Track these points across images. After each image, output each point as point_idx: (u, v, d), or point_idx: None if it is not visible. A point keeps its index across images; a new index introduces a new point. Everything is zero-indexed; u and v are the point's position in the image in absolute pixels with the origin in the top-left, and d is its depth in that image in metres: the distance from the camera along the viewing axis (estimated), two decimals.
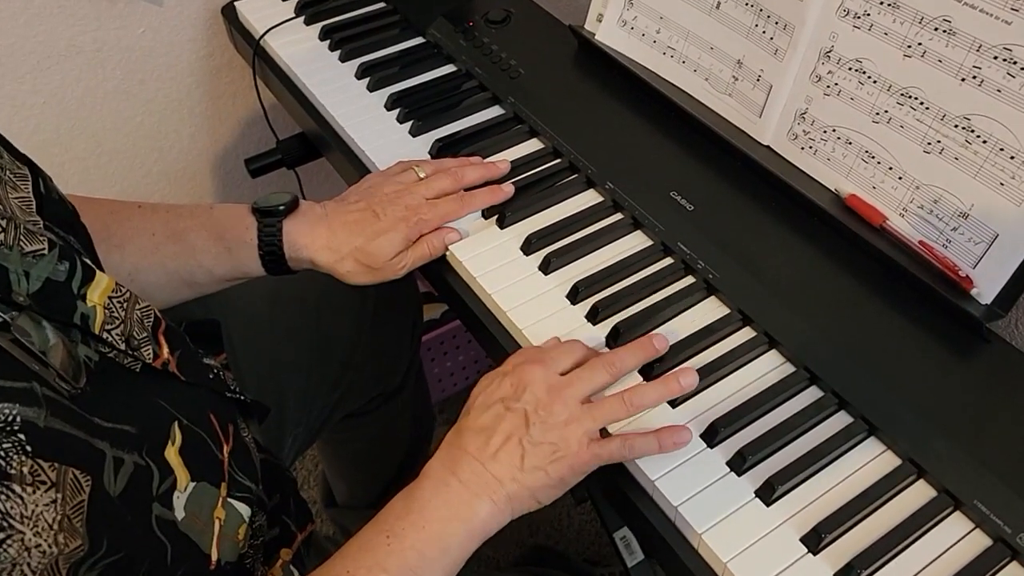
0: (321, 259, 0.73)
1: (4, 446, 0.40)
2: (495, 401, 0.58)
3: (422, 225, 0.74)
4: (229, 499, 0.56)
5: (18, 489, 0.40)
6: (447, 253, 0.75)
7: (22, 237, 0.48)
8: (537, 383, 0.58)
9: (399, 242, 0.73)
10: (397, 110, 0.89)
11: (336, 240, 0.73)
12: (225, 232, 0.73)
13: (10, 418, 0.40)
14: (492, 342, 0.70)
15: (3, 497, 0.39)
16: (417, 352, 1.07)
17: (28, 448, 0.40)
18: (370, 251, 0.72)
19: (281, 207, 0.73)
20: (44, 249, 0.49)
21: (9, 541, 0.39)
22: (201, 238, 0.72)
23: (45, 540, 0.40)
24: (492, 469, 0.56)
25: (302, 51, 0.98)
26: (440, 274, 0.75)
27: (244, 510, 0.57)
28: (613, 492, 0.61)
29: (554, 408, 0.57)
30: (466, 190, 0.77)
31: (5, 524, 0.39)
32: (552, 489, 0.57)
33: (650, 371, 0.63)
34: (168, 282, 0.72)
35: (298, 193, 0.78)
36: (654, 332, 0.65)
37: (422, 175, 0.77)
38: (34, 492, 0.40)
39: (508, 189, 0.78)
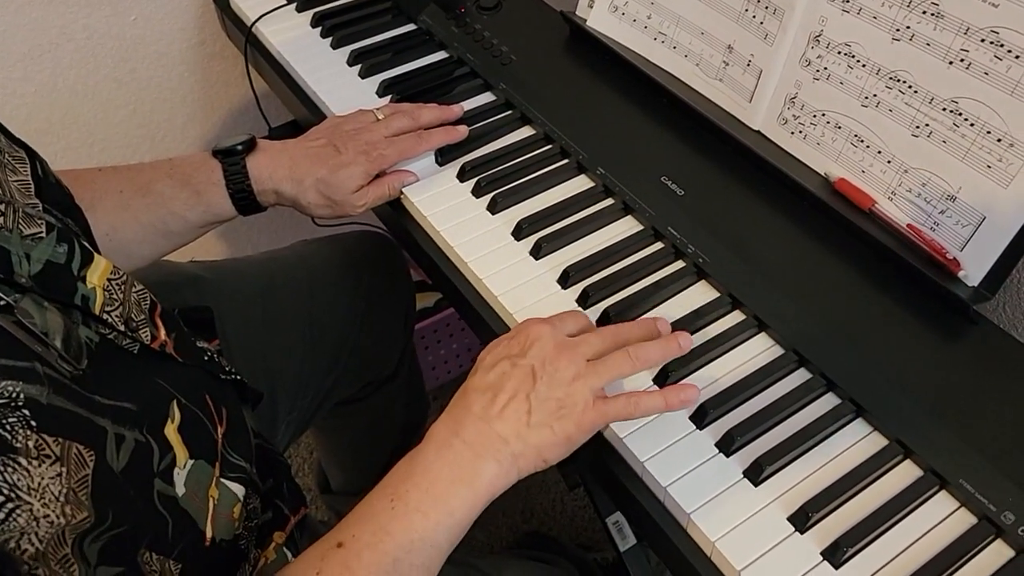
0: (285, 189, 0.75)
1: (10, 420, 0.40)
2: (501, 359, 0.58)
3: (381, 160, 0.77)
4: (222, 479, 0.56)
5: (24, 462, 0.41)
6: (442, 240, 0.75)
7: (20, 220, 0.49)
8: (545, 339, 0.58)
9: (360, 175, 0.75)
10: (389, 97, 0.89)
11: (299, 170, 0.75)
12: (190, 177, 0.74)
13: (14, 394, 0.41)
14: (484, 327, 0.70)
15: (10, 469, 0.40)
16: (410, 340, 1.07)
17: (33, 423, 0.41)
18: (332, 183, 0.75)
19: (240, 146, 0.75)
20: (42, 232, 0.49)
21: (18, 511, 0.40)
22: (168, 186, 0.73)
23: (52, 511, 0.41)
24: (497, 428, 0.55)
25: (294, 38, 0.98)
26: (432, 260, 0.75)
27: (238, 490, 0.57)
28: (604, 475, 0.61)
29: (560, 363, 0.56)
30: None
31: (13, 495, 0.40)
32: (558, 447, 0.56)
33: None
34: (145, 235, 0.73)
35: None
36: (657, 317, 0.65)
37: (380, 117, 0.80)
38: (40, 465, 0.41)
39: (462, 130, 0.81)
